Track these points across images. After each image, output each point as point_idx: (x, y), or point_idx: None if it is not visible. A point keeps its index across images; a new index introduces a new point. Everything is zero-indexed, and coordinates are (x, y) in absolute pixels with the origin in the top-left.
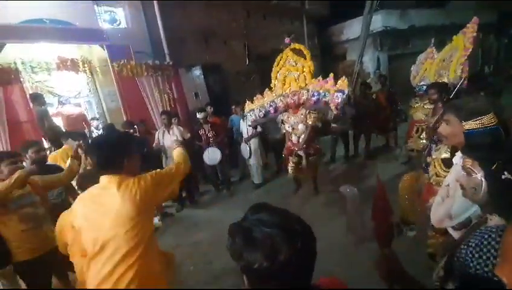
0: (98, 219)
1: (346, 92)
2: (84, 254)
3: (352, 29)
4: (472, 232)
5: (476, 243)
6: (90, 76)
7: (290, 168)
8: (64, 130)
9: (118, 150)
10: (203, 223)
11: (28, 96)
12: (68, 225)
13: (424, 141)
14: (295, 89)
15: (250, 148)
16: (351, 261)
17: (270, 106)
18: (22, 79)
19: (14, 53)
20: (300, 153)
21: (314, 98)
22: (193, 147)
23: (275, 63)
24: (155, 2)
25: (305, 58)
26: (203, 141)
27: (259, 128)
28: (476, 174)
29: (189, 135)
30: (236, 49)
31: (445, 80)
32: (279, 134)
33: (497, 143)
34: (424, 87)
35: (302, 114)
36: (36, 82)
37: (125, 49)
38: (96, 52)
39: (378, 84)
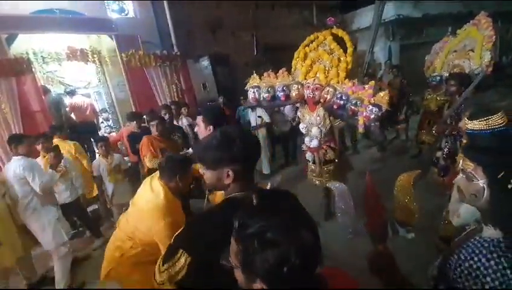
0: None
1: (383, 109)
2: None
3: (363, 18)
4: (466, 241)
5: (466, 257)
6: (99, 66)
7: (308, 174)
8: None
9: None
10: None
11: (39, 86)
12: None
13: (436, 133)
14: (320, 82)
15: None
16: (354, 252)
17: (283, 90)
18: (33, 69)
19: (26, 44)
20: (315, 158)
21: (339, 102)
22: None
23: (306, 41)
24: None
25: (346, 52)
26: None
27: (267, 119)
28: (478, 180)
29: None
30: (244, 40)
31: (466, 68)
32: (286, 127)
33: (505, 147)
34: (438, 78)
35: (319, 115)
36: (47, 72)
37: (134, 40)
38: (105, 43)
39: (390, 75)
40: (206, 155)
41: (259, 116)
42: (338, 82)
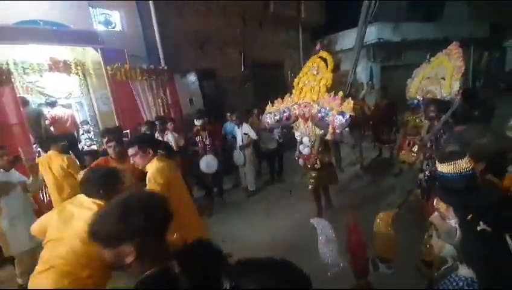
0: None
1: (347, 116)
2: None
3: (346, 39)
4: (443, 277)
5: None
6: (83, 78)
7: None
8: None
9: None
10: None
11: (18, 97)
12: None
13: (416, 155)
14: (308, 100)
15: (244, 156)
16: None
17: (285, 112)
18: (13, 80)
19: (6, 54)
20: (306, 164)
21: (320, 114)
22: (187, 153)
23: (302, 68)
24: (151, 6)
25: (327, 69)
26: (199, 148)
27: (253, 136)
28: (450, 220)
29: (183, 141)
30: (231, 56)
31: (438, 95)
32: (272, 144)
33: (472, 189)
34: (416, 101)
35: (308, 126)
36: (27, 82)
37: (120, 53)
38: (90, 55)
39: (371, 95)
40: (102, 231)
41: (245, 134)
42: (318, 97)
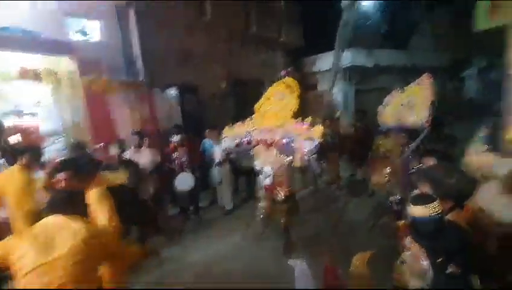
0: None
1: (316, 141)
2: None
3: (324, 61)
4: None
5: None
6: (54, 88)
7: (259, 215)
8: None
9: None
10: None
11: None
12: None
13: (387, 177)
14: (271, 126)
15: (221, 174)
16: None
17: (245, 136)
18: None
19: None
20: (265, 196)
21: (284, 141)
22: (162, 170)
23: (265, 94)
24: (132, 18)
25: (293, 94)
26: (175, 165)
27: (232, 154)
28: (423, 261)
29: (159, 157)
30: (214, 72)
31: (409, 122)
32: (251, 162)
33: (441, 232)
34: (387, 126)
35: (271, 155)
36: None
37: (97, 63)
38: (65, 64)
39: (346, 116)
40: None
41: (224, 150)
42: (283, 123)
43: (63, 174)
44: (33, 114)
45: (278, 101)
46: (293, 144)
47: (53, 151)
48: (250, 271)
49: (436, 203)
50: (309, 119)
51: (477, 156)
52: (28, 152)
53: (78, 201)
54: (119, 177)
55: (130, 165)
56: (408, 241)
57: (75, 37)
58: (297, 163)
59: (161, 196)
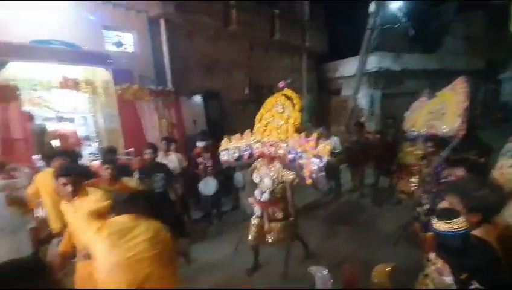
0: None
1: (324, 160)
2: None
3: (348, 67)
4: None
5: None
6: (91, 96)
7: (250, 233)
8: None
9: None
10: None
11: (24, 113)
12: None
13: (414, 185)
14: (274, 139)
15: (244, 179)
16: None
17: (246, 150)
18: (21, 96)
19: (16, 70)
20: (263, 214)
21: (290, 156)
22: (188, 174)
23: (264, 104)
24: (163, 29)
25: (294, 108)
26: (200, 170)
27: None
28: (446, 277)
29: (186, 162)
30: (237, 79)
31: (439, 131)
32: (250, 169)
33: (466, 248)
34: (414, 133)
35: (273, 168)
36: (34, 97)
37: (129, 73)
38: (100, 74)
39: (371, 121)
40: None
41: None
42: (287, 137)
43: (63, 179)
44: (71, 120)
45: (278, 113)
46: (300, 161)
47: (87, 155)
48: (271, 274)
49: (461, 219)
50: (315, 134)
51: (505, 170)
52: (61, 156)
53: (138, 202)
54: (133, 183)
55: (163, 168)
56: (433, 255)
57: (111, 48)
58: (307, 181)
59: (187, 199)
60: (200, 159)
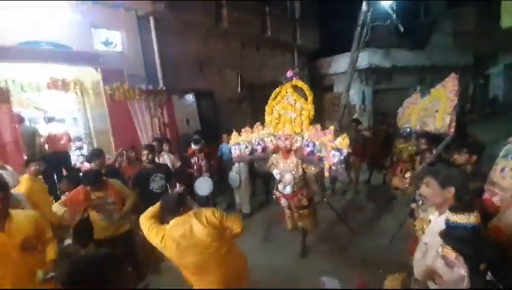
0: None
1: (344, 152)
2: None
3: (340, 63)
4: None
5: None
6: (80, 96)
7: (287, 222)
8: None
9: None
10: None
11: (14, 115)
12: None
13: (408, 181)
14: (289, 132)
15: (240, 178)
16: None
17: (259, 144)
18: (11, 98)
19: (5, 72)
20: (290, 204)
21: (308, 149)
22: (183, 175)
23: (272, 95)
24: (152, 27)
25: (306, 100)
26: (194, 170)
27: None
28: (459, 268)
29: (179, 163)
30: (229, 77)
31: (432, 128)
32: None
33: (480, 241)
34: (408, 130)
35: (292, 162)
36: (24, 98)
37: (119, 72)
38: (90, 74)
39: (364, 117)
40: None
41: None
42: (302, 130)
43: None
44: (60, 120)
45: (290, 105)
46: (319, 154)
47: (78, 155)
48: (268, 273)
49: (476, 214)
50: (332, 127)
51: (507, 173)
52: (39, 161)
53: (184, 202)
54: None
55: (162, 168)
56: (441, 250)
57: (99, 48)
58: (326, 173)
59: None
60: (193, 159)
